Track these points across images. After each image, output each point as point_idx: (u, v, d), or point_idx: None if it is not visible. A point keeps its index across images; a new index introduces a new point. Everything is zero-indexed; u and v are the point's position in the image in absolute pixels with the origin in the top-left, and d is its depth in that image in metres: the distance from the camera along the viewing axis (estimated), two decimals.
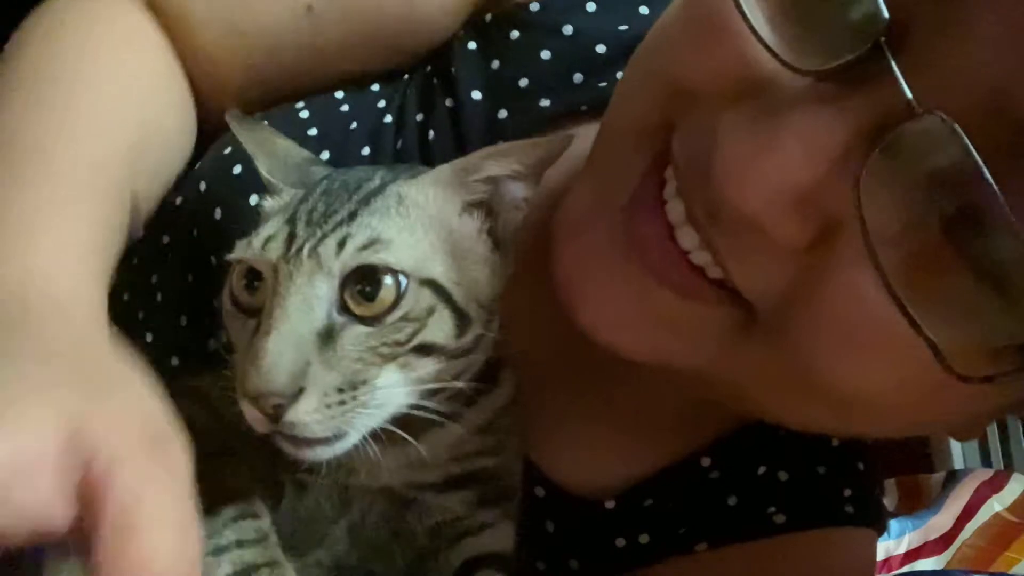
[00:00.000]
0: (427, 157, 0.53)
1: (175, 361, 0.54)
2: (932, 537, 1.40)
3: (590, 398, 0.52)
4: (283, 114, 0.57)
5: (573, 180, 0.45)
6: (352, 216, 0.39)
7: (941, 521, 1.40)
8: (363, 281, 0.38)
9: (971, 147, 0.29)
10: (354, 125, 0.55)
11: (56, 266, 0.42)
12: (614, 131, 0.43)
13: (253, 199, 0.52)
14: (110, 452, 0.30)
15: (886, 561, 1.37)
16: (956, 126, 0.29)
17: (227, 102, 0.57)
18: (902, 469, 1.54)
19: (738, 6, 0.33)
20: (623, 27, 0.53)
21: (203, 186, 0.55)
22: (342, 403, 0.37)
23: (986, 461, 1.67)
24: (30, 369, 0.34)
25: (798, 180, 0.32)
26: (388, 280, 0.38)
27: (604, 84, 0.52)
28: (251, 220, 0.51)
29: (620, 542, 0.52)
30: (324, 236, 0.38)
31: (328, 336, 0.37)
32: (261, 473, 0.41)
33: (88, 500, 0.30)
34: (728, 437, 0.52)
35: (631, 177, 0.40)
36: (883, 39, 0.30)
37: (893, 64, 0.30)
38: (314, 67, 0.58)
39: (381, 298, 0.38)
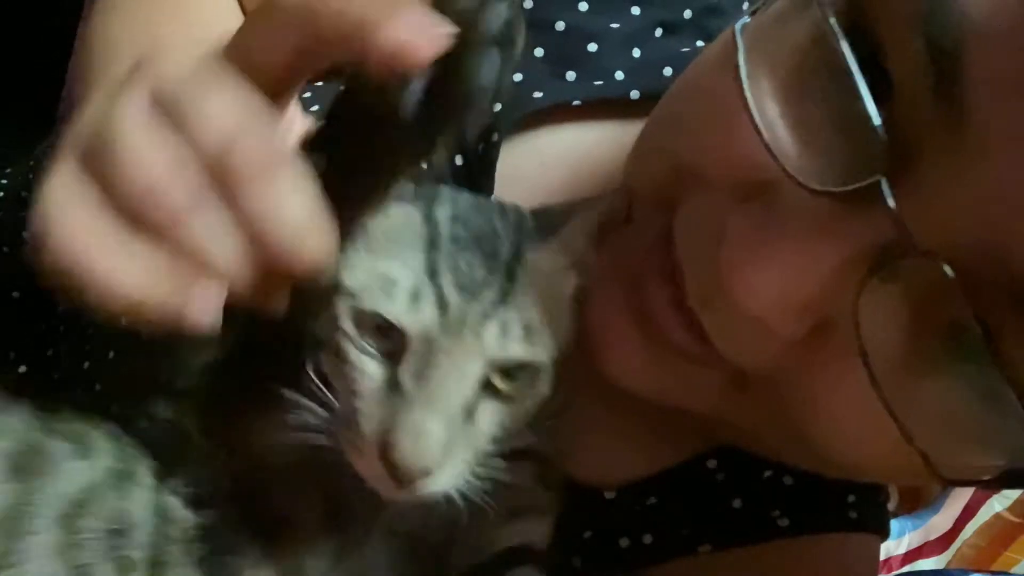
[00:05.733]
0: None
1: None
2: (932, 537, 1.40)
3: (595, 395, 0.52)
4: None
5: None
6: (505, 296, 0.38)
7: (941, 521, 1.41)
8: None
9: (962, 294, 0.29)
10: None
11: None
12: (630, 190, 0.44)
13: None
14: None
15: (886, 561, 1.37)
16: (949, 271, 0.30)
17: None
18: None
19: (751, 118, 0.34)
20: (614, 25, 0.53)
21: None
22: (470, 474, 0.38)
23: None
24: None
25: (799, 293, 0.34)
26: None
27: (600, 83, 0.52)
28: None
29: (624, 542, 0.52)
30: (485, 317, 0.37)
31: (469, 412, 0.38)
32: None
33: None
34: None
35: (642, 243, 0.41)
36: (883, 178, 0.30)
37: (891, 205, 0.30)
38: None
39: (520, 378, 0.39)
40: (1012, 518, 1.37)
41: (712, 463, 0.52)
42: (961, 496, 1.42)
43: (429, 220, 0.39)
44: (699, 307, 0.38)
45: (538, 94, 0.52)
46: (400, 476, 0.36)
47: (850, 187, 0.31)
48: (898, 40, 0.31)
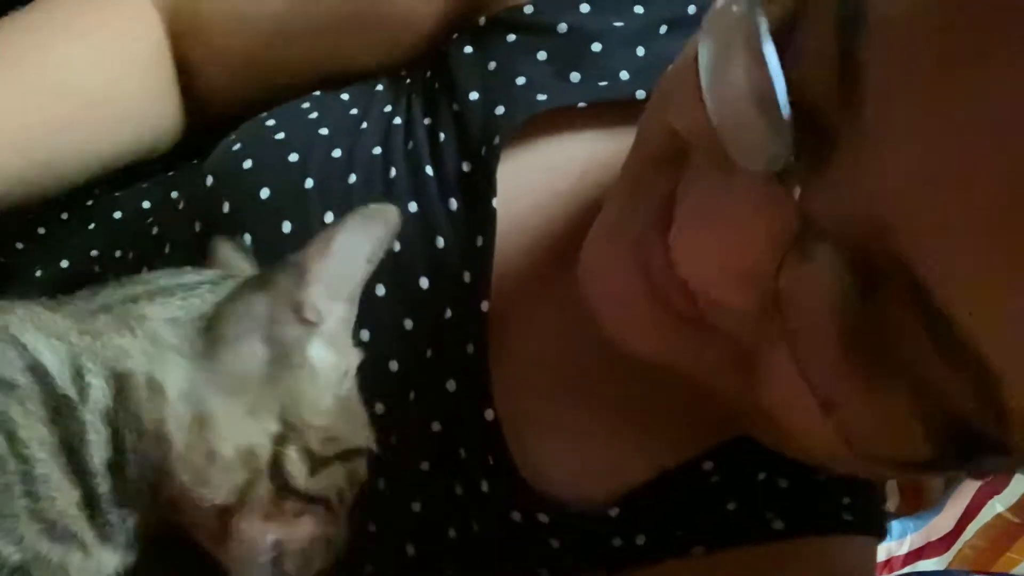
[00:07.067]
0: (438, 157, 0.53)
1: None
2: (934, 538, 1.39)
3: (595, 402, 0.52)
4: (291, 113, 0.57)
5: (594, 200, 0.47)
6: None
7: (943, 522, 1.40)
8: None
9: (848, 278, 0.31)
10: (364, 125, 0.55)
11: None
12: (636, 156, 0.44)
13: (264, 192, 0.52)
14: None
15: (888, 562, 1.37)
16: (833, 253, 0.31)
17: (228, 93, 0.61)
18: None
19: (699, 89, 0.34)
20: (618, 23, 0.53)
21: (210, 180, 0.55)
22: None
23: None
24: None
25: (735, 263, 0.34)
26: None
27: (604, 84, 0.52)
28: (262, 214, 0.51)
29: (617, 542, 0.52)
30: None
31: None
32: None
33: None
34: (731, 442, 0.52)
35: (649, 203, 0.41)
36: (791, 161, 0.32)
37: (794, 189, 0.32)
38: (311, 48, 0.60)
39: None
40: (1014, 519, 1.37)
41: (708, 465, 0.52)
42: (963, 497, 1.41)
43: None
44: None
45: (542, 96, 0.52)
46: None
47: (764, 169, 0.32)
48: (811, 21, 0.32)
